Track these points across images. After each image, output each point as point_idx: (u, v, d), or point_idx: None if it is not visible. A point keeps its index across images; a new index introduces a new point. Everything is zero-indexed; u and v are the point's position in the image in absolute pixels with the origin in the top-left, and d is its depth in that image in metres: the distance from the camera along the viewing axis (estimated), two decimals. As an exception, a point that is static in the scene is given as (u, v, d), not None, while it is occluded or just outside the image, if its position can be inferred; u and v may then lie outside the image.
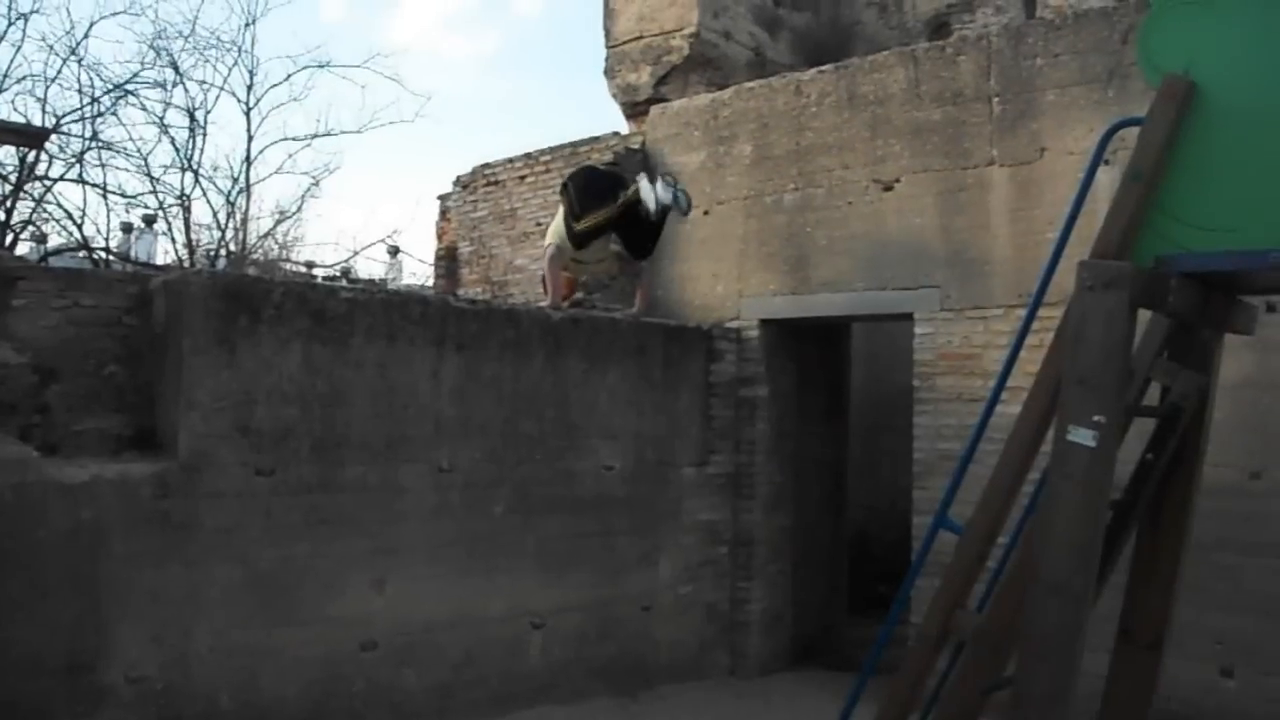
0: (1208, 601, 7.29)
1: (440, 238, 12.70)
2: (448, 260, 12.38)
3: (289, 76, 17.61)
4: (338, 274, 19.52)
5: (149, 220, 15.40)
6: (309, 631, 6.68)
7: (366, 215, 47.62)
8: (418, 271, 21.35)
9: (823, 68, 9.73)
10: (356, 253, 18.71)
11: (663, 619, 8.85)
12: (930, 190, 8.77)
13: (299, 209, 15.72)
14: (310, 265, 20.43)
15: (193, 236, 13.45)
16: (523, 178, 11.53)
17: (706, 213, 10.05)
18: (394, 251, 20.65)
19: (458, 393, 7.46)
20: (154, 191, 13.97)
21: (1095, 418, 3.68)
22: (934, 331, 8.64)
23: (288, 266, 17.61)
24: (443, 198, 12.69)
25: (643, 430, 8.70)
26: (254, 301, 6.55)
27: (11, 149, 12.31)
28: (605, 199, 8.77)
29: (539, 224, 11.08)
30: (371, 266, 21.18)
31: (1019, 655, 3.89)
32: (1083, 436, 3.66)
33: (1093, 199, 4.75)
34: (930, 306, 8.65)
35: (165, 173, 14.69)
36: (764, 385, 9.59)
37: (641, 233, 8.98)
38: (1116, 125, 4.62)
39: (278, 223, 15.05)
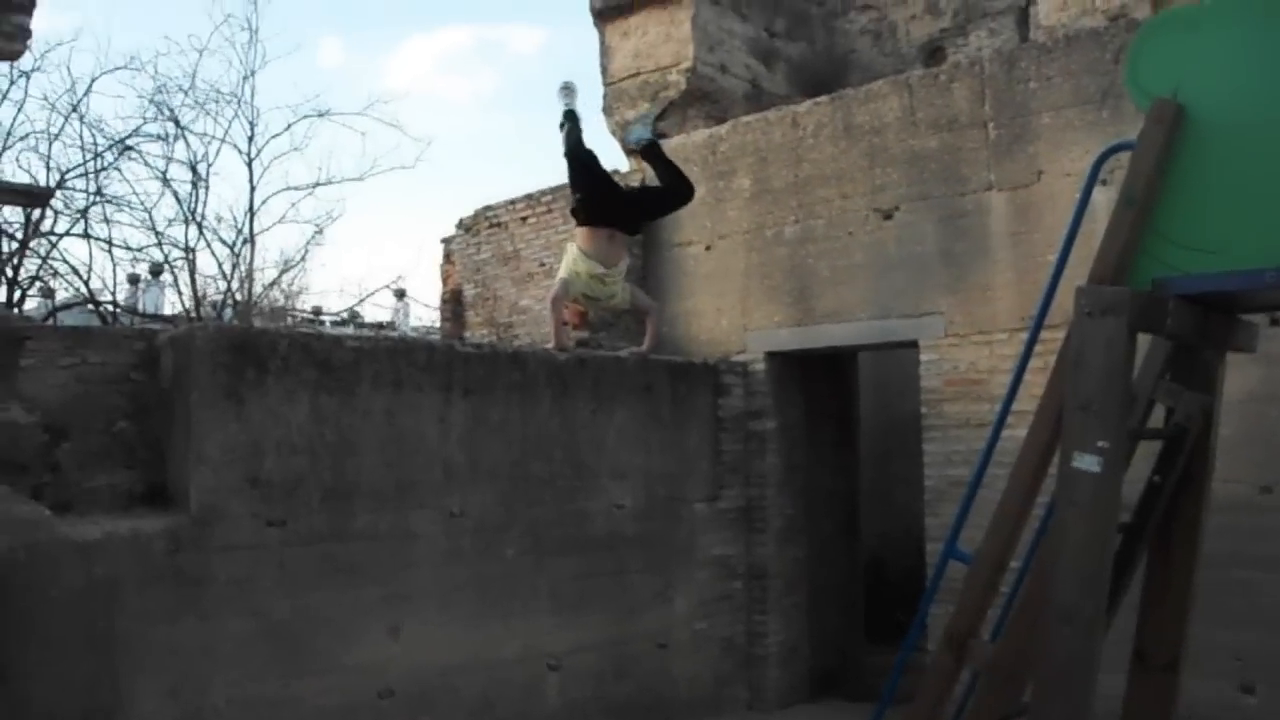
0: (1224, 618, 7.26)
1: (445, 281, 12.74)
2: (453, 303, 12.43)
3: (289, 126, 17.72)
4: (345, 319, 19.61)
5: (156, 271, 15.50)
6: (326, 681, 6.68)
7: (371, 260, 47.84)
8: (424, 315, 21.44)
9: (818, 99, 9.78)
10: (363, 299, 18.82)
11: (679, 655, 8.82)
12: (930, 217, 8.81)
13: (303, 257, 15.82)
14: (318, 311, 20.51)
15: (198, 288, 13.54)
16: (524, 219, 11.57)
17: (709, 248, 10.10)
18: (400, 295, 20.75)
19: (466, 437, 7.48)
20: (159, 244, 14.07)
21: (1099, 443, 3.69)
22: (939, 358, 8.65)
23: (294, 315, 17.71)
24: (446, 240, 12.74)
25: (652, 467, 8.70)
26: (260, 353, 6.58)
27: (18, 208, 12.42)
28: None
29: (542, 264, 11.12)
30: (378, 311, 21.28)
31: (1033, 683, 3.89)
32: (1087, 463, 3.67)
33: (1092, 220, 4.79)
34: (934, 333, 8.67)
35: (169, 225, 14.79)
36: (772, 418, 9.59)
37: (638, 201, 9.00)
38: (1108, 151, 4.65)
39: (282, 272, 15.16)
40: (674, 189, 8.75)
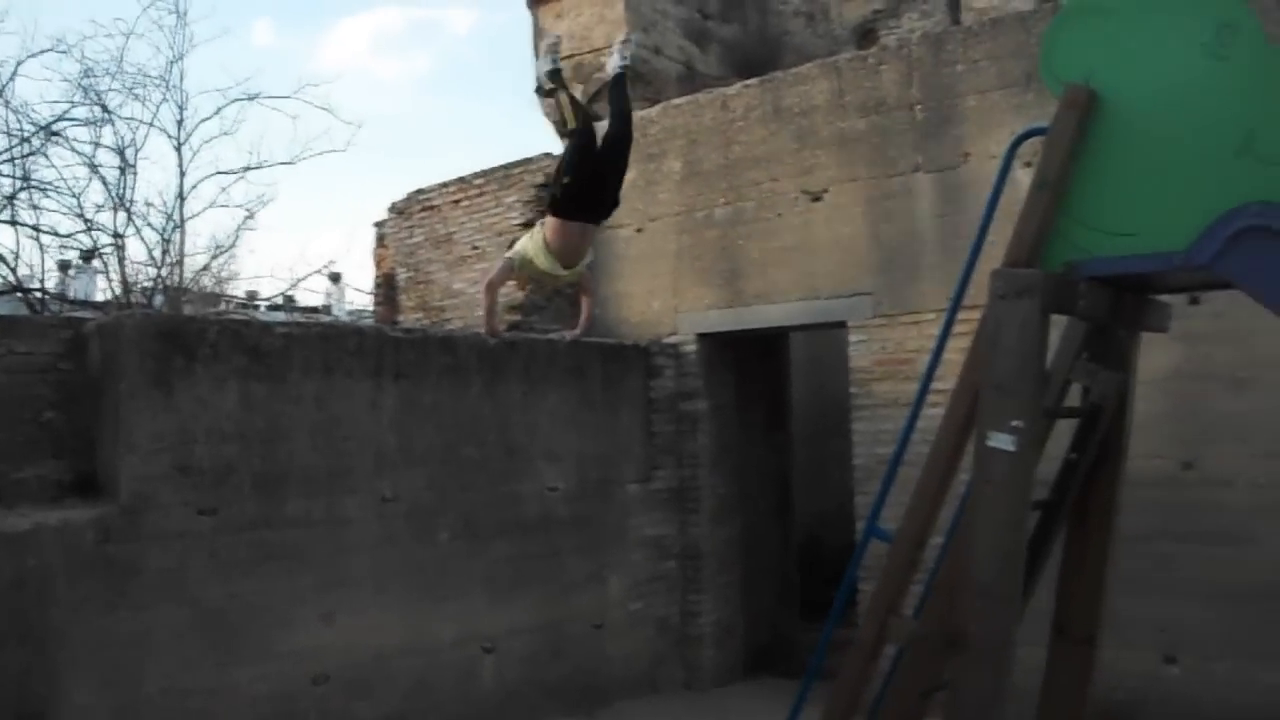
0: (1148, 591, 7.42)
1: (378, 265, 12.69)
2: (386, 287, 12.38)
3: (219, 110, 17.44)
4: (280, 305, 19.41)
5: (87, 257, 15.26)
6: (260, 668, 6.68)
7: (304, 245, 47.37)
8: (356, 300, 21.28)
9: (748, 82, 9.83)
10: (296, 283, 18.61)
11: (614, 636, 8.90)
12: (858, 199, 8.89)
13: (234, 242, 15.62)
14: (252, 296, 20.29)
15: (128, 275, 13.34)
16: (457, 202, 11.53)
17: (640, 230, 10.13)
18: (335, 279, 20.58)
19: (398, 422, 7.48)
20: (88, 230, 13.85)
21: (1013, 423, 3.77)
22: (868, 339, 8.75)
23: (228, 301, 17.51)
24: (379, 224, 12.67)
25: (585, 450, 8.75)
26: (189, 341, 6.55)
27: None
28: None
29: (475, 248, 11.11)
30: (312, 296, 21.07)
31: (954, 657, 3.97)
32: (1002, 441, 3.76)
33: (1017, 202, 4.86)
34: (863, 314, 8.76)
35: (98, 212, 14.56)
36: (704, 399, 9.66)
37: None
38: (1022, 135, 4.73)
39: (214, 257, 14.97)
40: (625, 134, 7.93)
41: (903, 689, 4.41)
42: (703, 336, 9.74)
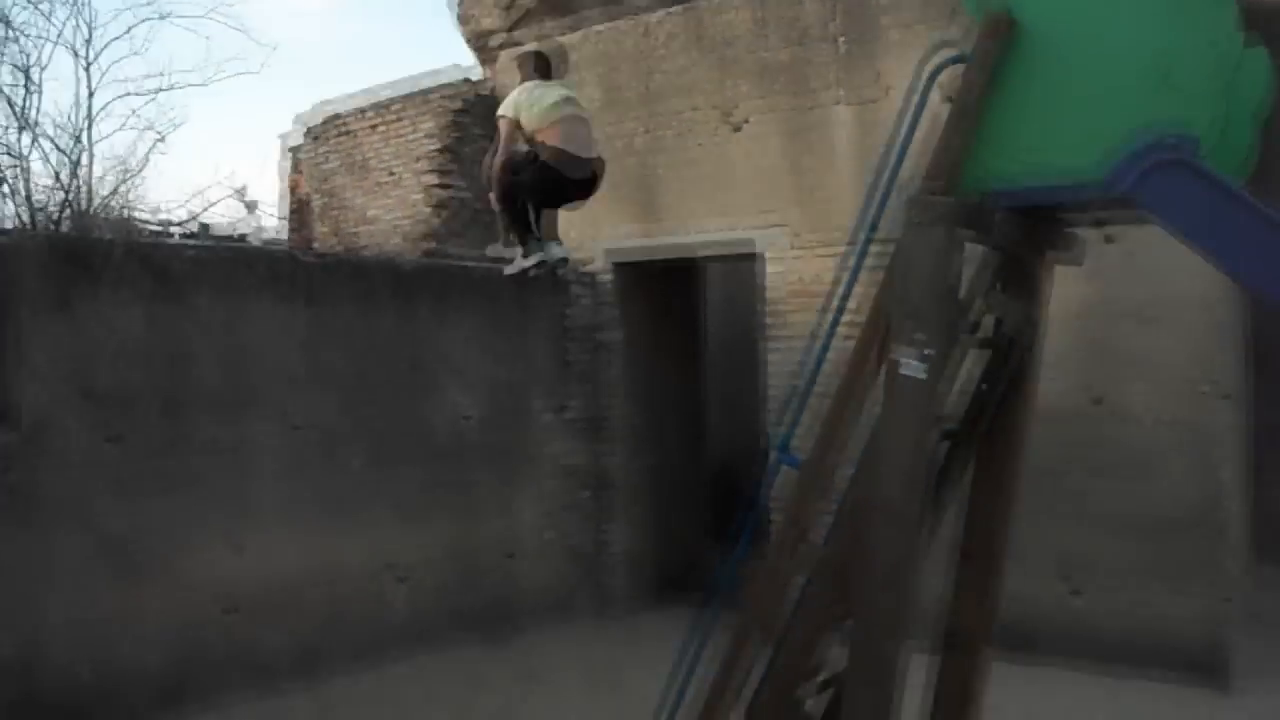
0: (1053, 522, 7.55)
1: (292, 190, 12.43)
2: (300, 213, 12.13)
3: (129, 30, 16.96)
4: (191, 228, 18.98)
5: (-6, 179, 14.79)
6: (168, 597, 6.59)
7: (215, 168, 46.21)
8: (269, 225, 20.87)
9: (670, 9, 9.71)
10: (207, 207, 18.19)
11: (527, 564, 8.90)
12: (778, 130, 8.85)
13: (143, 164, 15.21)
14: (166, 225, 19.82)
15: (33, 197, 12.96)
16: (374, 126, 11.29)
17: (558, 158, 10.00)
18: (251, 207, 20.16)
19: (308, 347, 7.36)
20: (-11, 151, 13.43)
21: (925, 350, 3.77)
22: (784, 269, 8.74)
23: (139, 225, 17.07)
24: (293, 149, 12.39)
25: (499, 377, 8.68)
26: (93, 263, 6.38)
27: None
28: None
29: (392, 174, 10.90)
30: (224, 220, 20.62)
31: (858, 583, 3.99)
32: (912, 369, 3.75)
33: (936, 132, 4.82)
34: (780, 244, 8.75)
35: (4, 133, 14.12)
36: (619, 328, 9.65)
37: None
38: (942, 64, 4.69)
39: (122, 180, 14.57)
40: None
41: (809, 617, 4.42)
42: (619, 266, 9.69)
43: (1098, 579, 7.65)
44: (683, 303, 10.54)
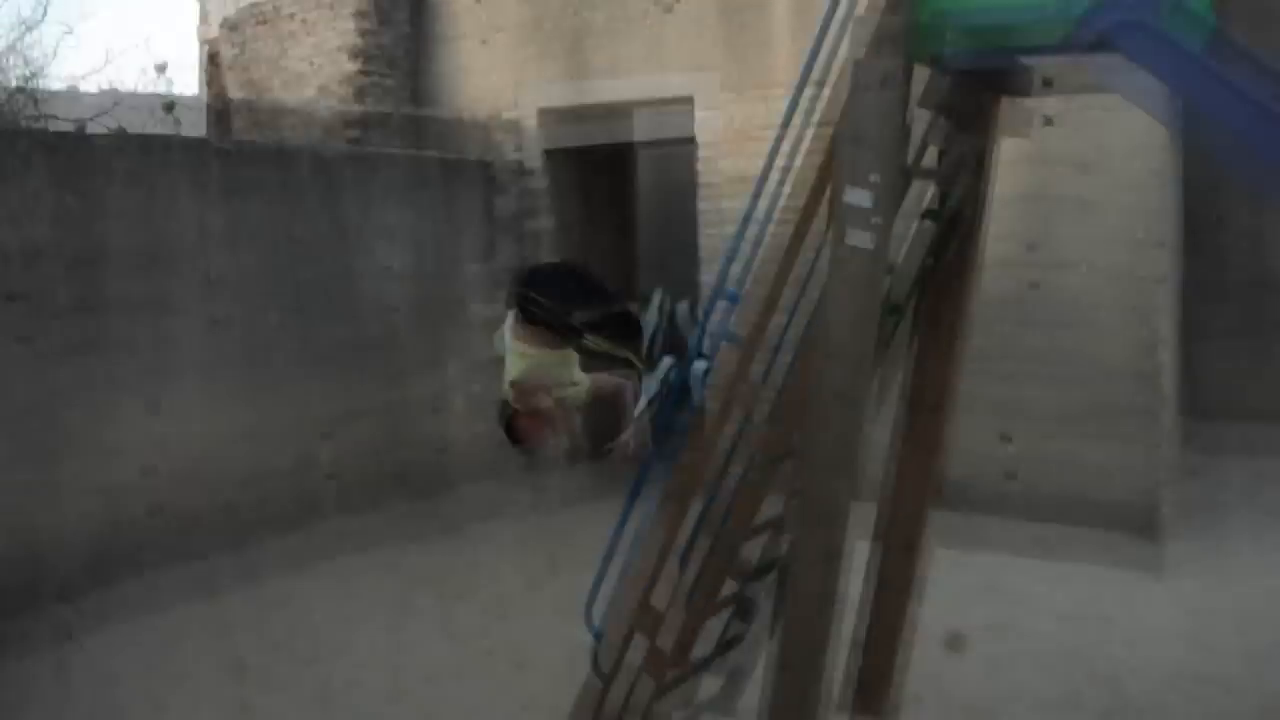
0: (988, 372, 7.47)
1: (210, 84, 11.85)
2: (218, 105, 11.52)
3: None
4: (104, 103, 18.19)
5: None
6: (84, 462, 6.36)
7: (130, 48, 44.31)
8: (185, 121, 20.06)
9: None
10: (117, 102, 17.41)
11: (454, 420, 8.76)
12: (712, -23, 8.49)
13: (42, 18, 14.41)
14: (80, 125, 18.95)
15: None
16: (293, 15, 10.72)
17: (479, 0, 9.59)
18: (169, 107, 19.33)
19: (225, 208, 7.02)
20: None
21: (870, 177, 3.59)
22: (715, 114, 8.47)
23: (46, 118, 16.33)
24: (211, 42, 11.81)
25: (423, 228, 8.43)
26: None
27: None
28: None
29: (312, 64, 10.36)
30: (138, 100, 19.78)
31: (801, 468, 3.89)
32: (859, 197, 3.57)
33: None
34: (711, 89, 8.45)
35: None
36: (548, 216, 9.45)
37: None
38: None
39: (20, 36, 13.83)
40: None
41: (753, 454, 4.31)
42: (549, 153, 9.39)
43: (1029, 427, 7.64)
44: (614, 187, 10.23)
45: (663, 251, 12.11)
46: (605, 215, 10.10)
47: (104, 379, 6.45)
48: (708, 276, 8.46)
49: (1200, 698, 5.20)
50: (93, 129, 6.98)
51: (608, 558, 5.05)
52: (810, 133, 4.20)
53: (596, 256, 9.84)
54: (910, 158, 3.94)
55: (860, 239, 3.64)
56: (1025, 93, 4.49)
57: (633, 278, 10.44)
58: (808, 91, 4.17)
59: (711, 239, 8.50)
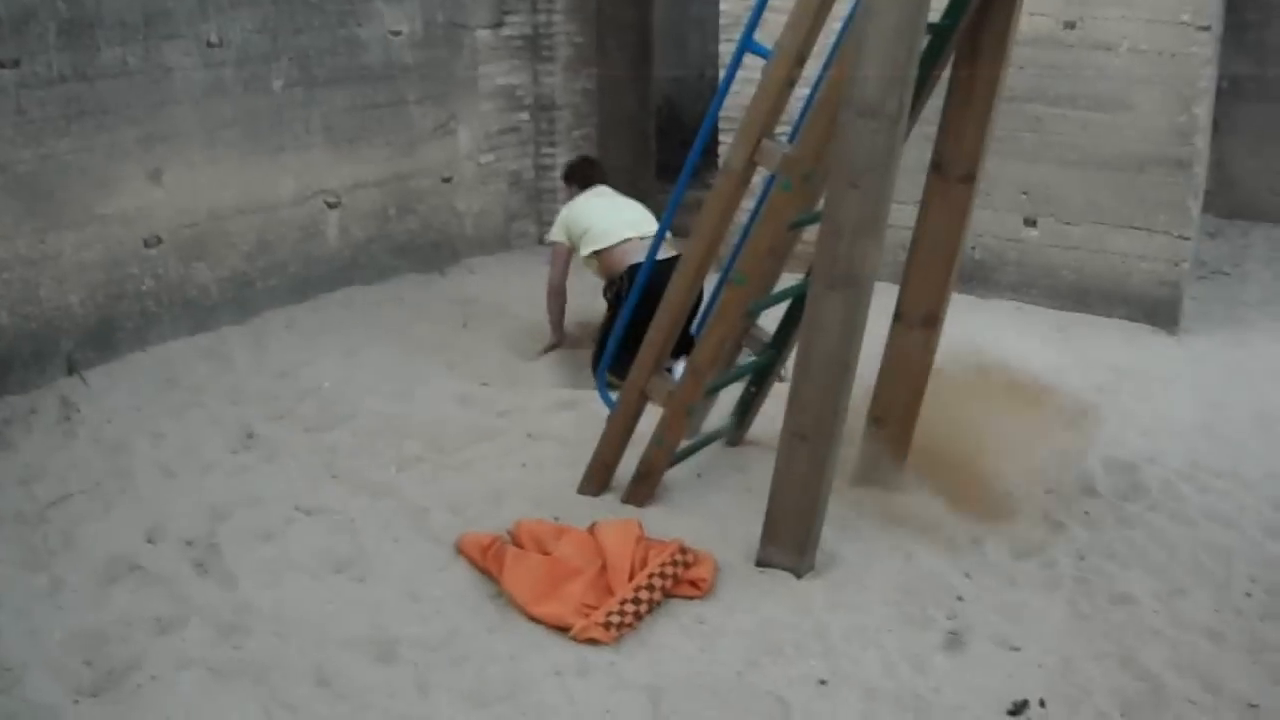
0: (1015, 153, 7.32)
1: None
2: None
3: None
4: None
5: None
6: (84, 233, 6.20)
7: None
8: None
9: None
10: None
11: (465, 190, 8.55)
12: None
13: None
14: None
15: None
16: None
17: None
18: None
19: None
20: None
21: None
22: None
23: None
24: None
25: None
26: None
27: None
28: None
29: None
30: None
31: (829, 184, 3.67)
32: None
33: None
34: None
35: None
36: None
37: None
38: None
39: None
40: None
41: (772, 218, 4.14)
42: None
43: (1054, 211, 7.48)
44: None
45: (680, 23, 11.77)
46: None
47: (104, 148, 6.24)
48: (727, 46, 8.15)
49: (1215, 490, 5.14)
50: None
51: (631, 306, 4.96)
52: None
53: (612, 28, 9.50)
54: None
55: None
56: None
57: (649, 52, 10.13)
58: None
59: (733, 5, 8.12)
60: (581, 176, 6.87)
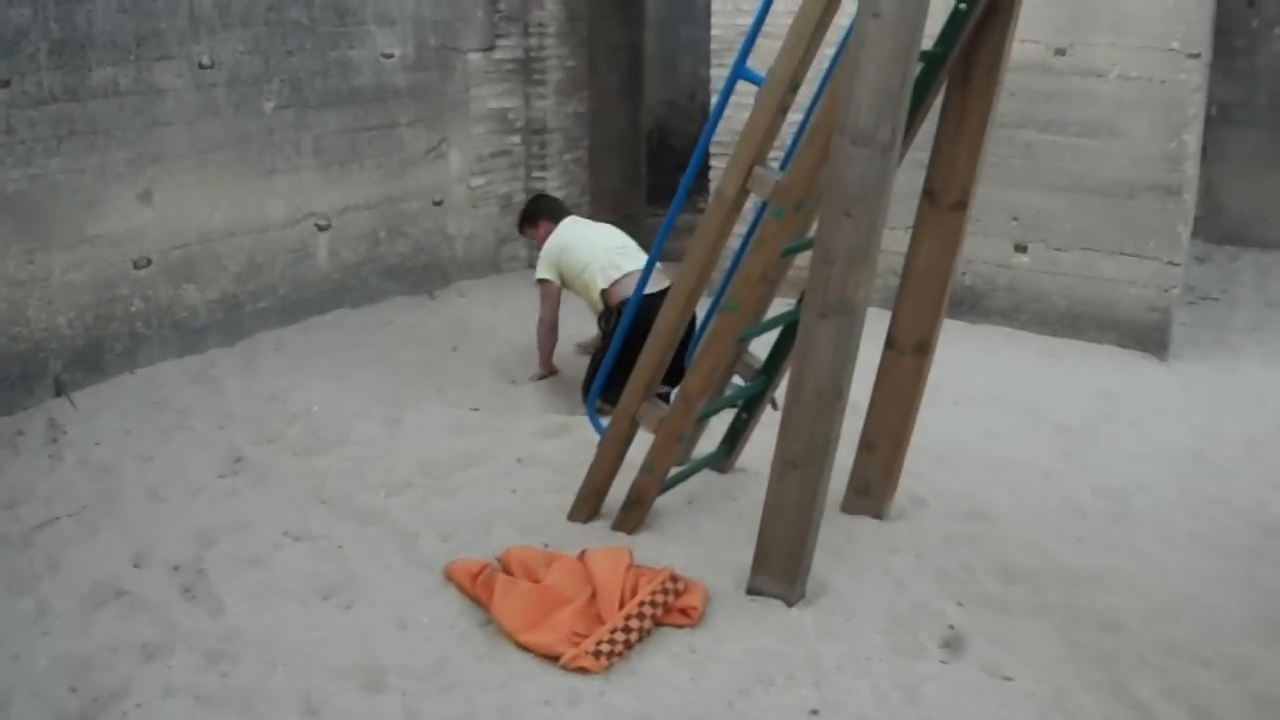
0: (1006, 179, 7.34)
1: None
2: None
3: None
4: None
5: None
6: (74, 254, 6.19)
7: None
8: None
9: None
10: None
11: (456, 213, 8.54)
12: None
13: None
14: None
15: None
16: None
17: None
18: None
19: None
20: None
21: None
22: None
23: None
24: None
25: (423, 14, 8.02)
26: None
27: None
28: None
29: None
30: None
31: (821, 211, 3.67)
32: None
33: None
34: None
35: None
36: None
37: None
38: None
39: None
40: None
41: (765, 245, 4.13)
42: None
43: (1044, 238, 7.49)
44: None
45: (671, 47, 11.82)
46: (614, 7, 9.66)
47: (94, 169, 6.23)
48: (719, 70, 8.15)
49: (1205, 516, 5.15)
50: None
51: (621, 338, 4.96)
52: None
53: (604, 51, 9.53)
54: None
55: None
56: None
57: (640, 76, 10.15)
58: None
59: (724, 29, 8.13)
60: (549, 210, 6.83)
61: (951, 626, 4.10)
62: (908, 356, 4.67)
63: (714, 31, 8.23)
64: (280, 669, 3.80)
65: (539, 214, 6.83)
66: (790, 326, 4.69)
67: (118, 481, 5.25)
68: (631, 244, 6.57)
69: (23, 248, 5.94)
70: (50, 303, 6.10)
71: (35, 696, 3.61)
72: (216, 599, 4.26)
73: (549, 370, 6.85)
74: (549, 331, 6.67)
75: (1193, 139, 7.19)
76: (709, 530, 4.81)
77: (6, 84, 5.79)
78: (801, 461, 3.95)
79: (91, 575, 4.38)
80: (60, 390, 6.12)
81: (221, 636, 4.00)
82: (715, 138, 4.71)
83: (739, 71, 4.13)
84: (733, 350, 4.49)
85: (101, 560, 4.51)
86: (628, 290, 6.05)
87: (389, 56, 7.79)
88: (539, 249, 6.70)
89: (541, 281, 6.56)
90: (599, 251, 6.40)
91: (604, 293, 6.30)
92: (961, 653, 3.95)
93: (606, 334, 6.26)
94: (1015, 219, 7.53)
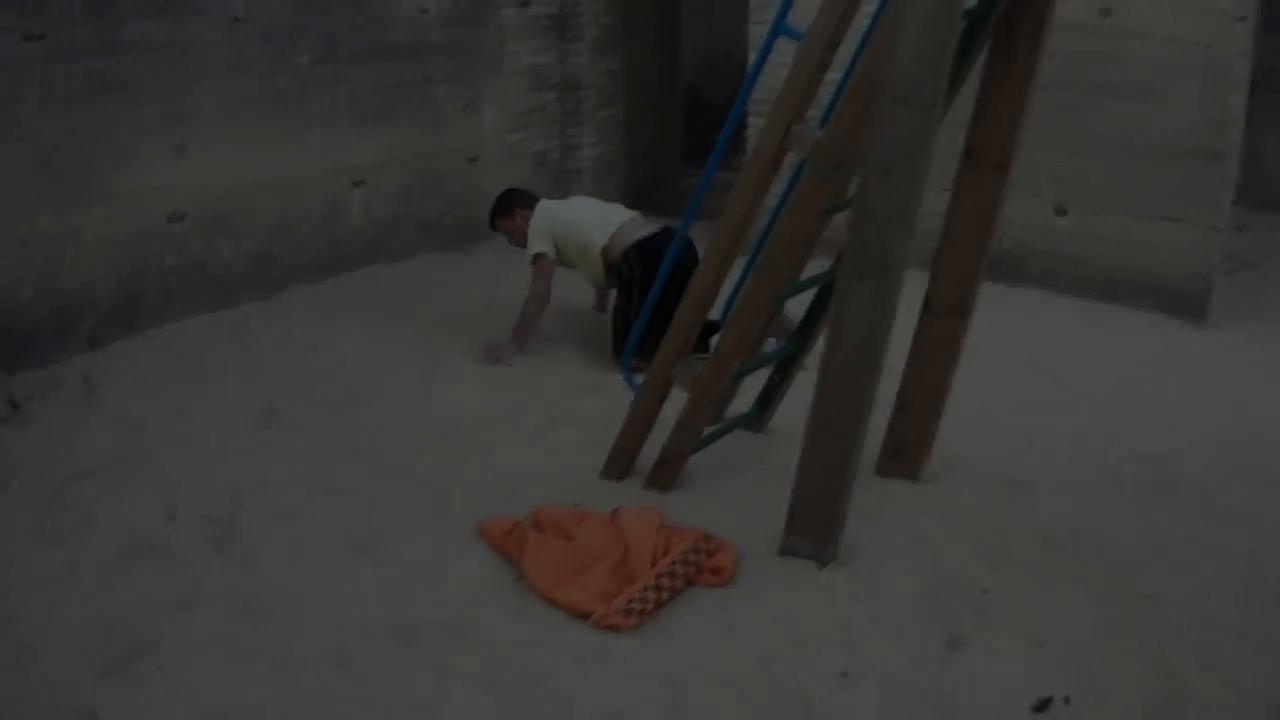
0: (1046, 142, 7.20)
1: None
2: None
3: None
4: None
5: None
6: (108, 209, 6.20)
7: None
8: None
9: None
10: None
11: (491, 170, 8.50)
12: None
13: None
14: None
15: None
16: None
17: None
18: None
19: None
20: None
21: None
22: None
23: None
24: None
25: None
26: None
27: None
28: None
29: None
30: None
31: (861, 171, 3.62)
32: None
33: None
34: None
35: None
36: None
37: None
38: None
39: None
40: None
41: (802, 205, 4.09)
42: None
43: (1083, 201, 7.39)
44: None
45: (709, 5, 11.67)
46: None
47: (128, 123, 6.23)
48: (758, 27, 8.06)
49: (1243, 486, 5.07)
50: None
51: (654, 297, 4.94)
52: None
53: (639, 8, 9.43)
54: None
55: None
56: None
57: (676, 33, 10.05)
58: None
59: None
60: (523, 199, 6.65)
61: (985, 591, 4.07)
62: (945, 319, 4.61)
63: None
64: (312, 622, 3.82)
65: (514, 204, 6.65)
66: (826, 287, 4.65)
67: (151, 435, 5.28)
68: (613, 205, 6.67)
69: (58, 201, 5.96)
70: (84, 257, 6.12)
71: (69, 648, 3.63)
72: (248, 552, 4.28)
73: (524, 348, 6.66)
74: (542, 307, 6.54)
75: (1238, 104, 7.05)
76: (741, 490, 4.80)
77: (41, 37, 5.79)
78: (836, 424, 3.93)
79: (124, 528, 4.41)
80: (95, 344, 6.14)
81: (253, 589, 4.02)
82: (754, 95, 4.65)
83: (779, 27, 4.06)
84: (768, 310, 4.45)
85: (134, 513, 4.54)
86: (620, 245, 6.15)
87: (424, 11, 7.74)
88: (516, 244, 6.58)
89: (537, 256, 6.45)
90: (589, 216, 6.42)
91: (604, 250, 6.27)
92: (993, 618, 3.92)
93: (621, 290, 6.25)
94: (1055, 182, 7.43)
